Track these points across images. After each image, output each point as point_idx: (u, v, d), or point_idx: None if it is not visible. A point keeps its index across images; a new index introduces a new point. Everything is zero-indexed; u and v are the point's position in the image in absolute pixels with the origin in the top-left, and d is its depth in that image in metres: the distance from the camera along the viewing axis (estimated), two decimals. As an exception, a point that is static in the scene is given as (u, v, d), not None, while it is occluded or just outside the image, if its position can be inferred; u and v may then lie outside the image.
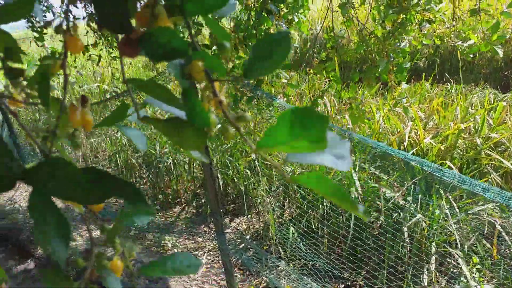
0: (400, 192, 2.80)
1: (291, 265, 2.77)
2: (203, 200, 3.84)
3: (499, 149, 3.19)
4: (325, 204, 2.89)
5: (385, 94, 5.00)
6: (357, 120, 2.39)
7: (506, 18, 1.97)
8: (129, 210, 0.39)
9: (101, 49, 4.07)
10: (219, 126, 0.28)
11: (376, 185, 2.84)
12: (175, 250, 3.08)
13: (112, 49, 4.01)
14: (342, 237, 2.76)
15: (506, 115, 3.50)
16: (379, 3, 2.33)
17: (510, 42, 6.18)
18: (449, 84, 5.37)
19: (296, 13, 2.33)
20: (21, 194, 4.80)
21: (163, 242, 3.15)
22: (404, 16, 2.36)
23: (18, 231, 3.47)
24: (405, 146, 3.09)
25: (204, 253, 3.05)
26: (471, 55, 2.16)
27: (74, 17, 2.54)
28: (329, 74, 2.62)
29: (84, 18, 3.19)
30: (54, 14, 3.75)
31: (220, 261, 2.95)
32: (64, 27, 0.31)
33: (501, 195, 1.62)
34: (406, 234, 2.59)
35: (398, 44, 2.40)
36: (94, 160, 4.80)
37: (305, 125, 0.24)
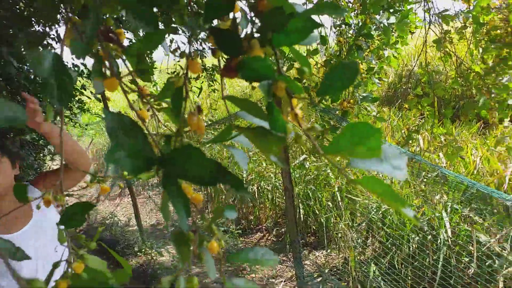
0: (497, 237, 2.55)
1: (371, 304, 2.65)
2: (283, 229, 3.88)
3: None
4: (411, 242, 2.74)
5: (486, 133, 4.64)
6: (451, 157, 2.27)
7: None
8: (221, 206, 0.48)
9: (202, 82, 4.46)
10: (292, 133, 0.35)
11: (469, 228, 2.62)
12: (253, 275, 3.15)
13: (212, 82, 4.36)
14: (428, 279, 2.58)
15: None
16: (478, 37, 2.24)
17: None
18: None
19: (387, 48, 2.34)
20: (120, 210, 5.32)
21: (242, 265, 3.24)
22: (508, 51, 2.24)
23: (115, 242, 3.85)
24: (505, 189, 2.82)
25: (281, 281, 3.06)
26: None
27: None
28: (424, 109, 2.55)
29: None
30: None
31: (296, 292, 2.94)
32: (187, 51, 0.42)
33: None
34: (501, 284, 2.34)
35: (500, 79, 2.27)
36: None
37: (364, 135, 0.30)
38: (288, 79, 0.32)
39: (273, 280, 3.08)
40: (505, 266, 2.40)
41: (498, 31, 2.25)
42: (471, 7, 2.27)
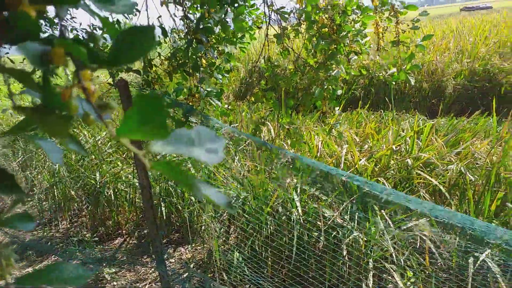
0: (339, 211, 2.91)
1: (236, 290, 2.75)
2: (145, 231, 3.73)
3: (428, 168, 3.44)
4: (268, 225, 2.92)
5: (325, 122, 5.25)
6: (295, 143, 2.49)
7: (420, 50, 2.19)
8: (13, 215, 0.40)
9: None
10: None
11: (316, 206, 2.93)
12: (114, 283, 2.94)
13: None
14: (285, 257, 2.79)
15: (433, 137, 3.79)
16: (311, 33, 2.49)
17: (436, 73, 6.77)
18: (382, 111, 5.73)
19: (227, 44, 2.43)
20: None
21: (101, 275, 3.00)
22: (335, 47, 2.54)
23: None
24: (342, 168, 3.23)
25: (146, 284, 2.94)
26: (394, 83, 2.36)
27: None
28: (269, 101, 2.72)
29: None
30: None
31: (162, 292, 2.86)
32: None
33: (423, 205, 1.75)
34: (345, 252, 2.68)
35: (330, 72, 2.57)
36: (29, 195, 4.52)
37: (149, 112, 0.27)
38: (70, 43, 0.28)
39: (137, 284, 2.94)
40: (346, 235, 2.75)
41: (326, 29, 2.54)
42: (303, 6, 2.51)
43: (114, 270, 3.08)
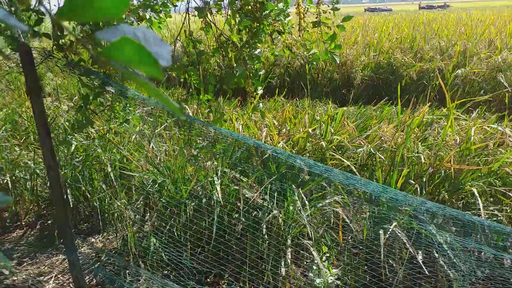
0: (259, 192, 2.93)
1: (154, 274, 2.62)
2: (49, 222, 3.38)
3: (340, 150, 3.63)
4: (188, 209, 2.84)
5: (244, 106, 5.27)
6: (217, 121, 2.43)
7: (341, 30, 2.27)
8: None
9: None
10: None
11: (237, 187, 2.92)
12: (15, 279, 2.62)
13: None
14: (206, 239, 2.74)
15: (345, 122, 4.01)
16: (234, 9, 2.44)
17: (346, 65, 7.19)
18: (298, 99, 5.93)
19: (150, 11, 2.27)
20: None
21: (-3, 271, 2.64)
22: (258, 25, 2.52)
23: None
24: (262, 150, 3.26)
25: (51, 277, 2.66)
26: (308, 73, 2.42)
27: None
28: (192, 77, 2.62)
29: None
30: None
31: (71, 284, 2.61)
32: None
33: (342, 174, 1.83)
34: (264, 231, 2.71)
35: (253, 51, 2.55)
36: None
37: None
38: None
39: (41, 278, 2.65)
40: (266, 214, 2.78)
41: (249, 6, 2.51)
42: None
43: (13, 264, 2.74)
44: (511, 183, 2.87)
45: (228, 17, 2.43)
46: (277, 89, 6.59)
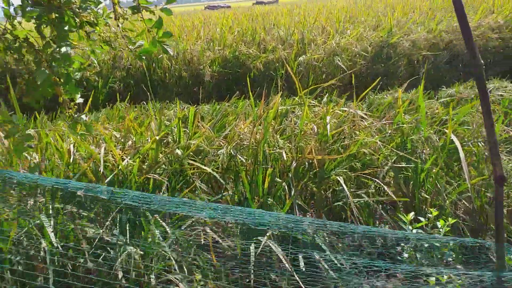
0: (105, 226, 2.32)
1: None
2: None
3: (200, 156, 3.22)
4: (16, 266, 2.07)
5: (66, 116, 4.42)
6: (19, 150, 1.73)
7: (167, 14, 1.82)
8: None
9: None
10: None
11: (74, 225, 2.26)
12: None
13: None
14: None
15: (199, 123, 3.60)
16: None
17: (192, 62, 6.81)
18: (145, 103, 5.33)
19: None
20: None
21: None
22: (57, 16, 1.89)
23: None
24: (102, 172, 2.63)
25: None
26: (145, 57, 1.92)
27: None
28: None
29: None
30: None
31: None
32: None
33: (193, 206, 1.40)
34: (120, 275, 2.14)
35: (59, 50, 1.90)
36: None
37: None
38: None
39: None
40: (119, 253, 2.20)
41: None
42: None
43: None
44: (370, 163, 2.88)
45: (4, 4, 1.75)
46: (120, 94, 5.83)
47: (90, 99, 4.36)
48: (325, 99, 4.15)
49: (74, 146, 2.98)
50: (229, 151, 3.03)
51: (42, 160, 2.86)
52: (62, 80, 1.86)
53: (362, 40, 6.66)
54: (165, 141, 3.40)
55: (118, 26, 1.89)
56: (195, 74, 6.68)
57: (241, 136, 3.28)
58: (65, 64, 1.88)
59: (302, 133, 3.06)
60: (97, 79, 6.19)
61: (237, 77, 6.62)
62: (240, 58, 6.63)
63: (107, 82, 6.37)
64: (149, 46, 1.76)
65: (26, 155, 2.87)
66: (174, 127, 3.30)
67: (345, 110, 3.32)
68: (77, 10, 1.88)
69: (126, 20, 1.89)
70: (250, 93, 3.98)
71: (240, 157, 2.88)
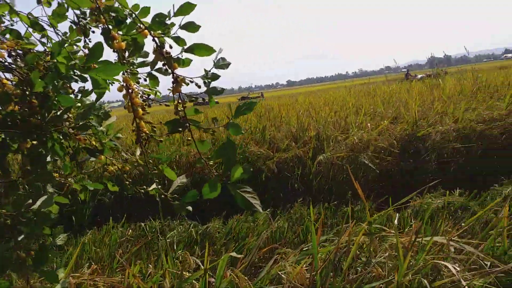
0: None
1: None
2: None
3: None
4: None
5: None
6: None
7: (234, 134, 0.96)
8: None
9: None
10: None
11: None
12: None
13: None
14: None
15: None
16: None
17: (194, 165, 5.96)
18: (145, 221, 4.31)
19: None
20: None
21: None
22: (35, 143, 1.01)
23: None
24: None
25: None
26: None
27: None
28: None
29: None
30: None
31: None
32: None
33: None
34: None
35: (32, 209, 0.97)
36: None
37: None
38: None
39: None
40: None
41: None
42: None
43: None
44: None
45: None
46: (110, 210, 4.82)
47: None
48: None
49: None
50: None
51: None
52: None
53: (384, 134, 5.98)
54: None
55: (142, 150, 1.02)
56: (197, 179, 5.78)
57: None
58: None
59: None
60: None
61: (248, 179, 5.73)
62: (251, 158, 5.82)
63: (95, 194, 5.38)
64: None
65: None
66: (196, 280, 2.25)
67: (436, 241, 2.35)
68: (70, 131, 1.02)
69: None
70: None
71: None
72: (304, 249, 2.71)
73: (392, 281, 1.89)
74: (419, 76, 21.74)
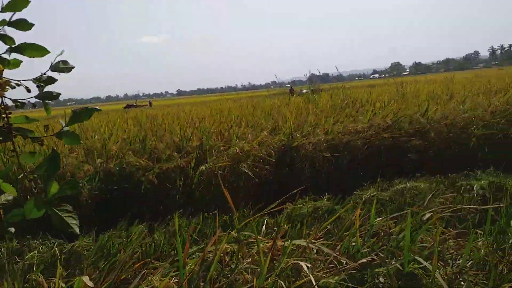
0: None
1: None
2: None
3: None
4: None
5: None
6: None
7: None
8: None
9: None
10: None
11: None
12: None
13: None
14: None
15: None
16: None
17: (66, 178, 5.43)
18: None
19: None
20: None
21: None
22: None
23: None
24: None
25: None
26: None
27: None
28: None
29: None
30: None
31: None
32: None
33: None
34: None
35: None
36: None
37: None
38: None
39: None
40: None
41: None
42: None
43: None
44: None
45: None
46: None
47: None
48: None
49: None
50: None
51: None
52: None
53: (263, 144, 6.27)
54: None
55: None
56: (72, 195, 5.28)
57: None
58: None
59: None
60: None
61: (125, 194, 5.44)
62: (128, 170, 5.53)
63: None
64: None
65: None
66: None
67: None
68: None
69: None
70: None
71: None
72: (176, 259, 2.66)
73: (252, 286, 1.95)
74: (304, 91, 23.37)
